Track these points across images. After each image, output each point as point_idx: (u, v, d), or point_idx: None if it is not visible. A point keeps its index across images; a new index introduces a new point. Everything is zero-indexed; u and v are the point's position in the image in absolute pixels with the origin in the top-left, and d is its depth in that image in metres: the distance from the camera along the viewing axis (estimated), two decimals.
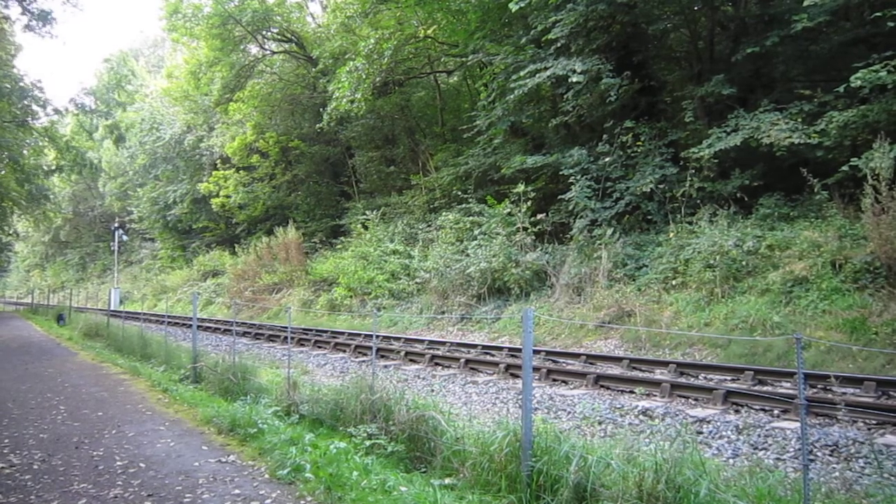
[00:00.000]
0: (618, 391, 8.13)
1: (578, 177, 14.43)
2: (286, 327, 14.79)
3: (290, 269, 24.75)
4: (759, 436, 5.86)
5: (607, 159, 14.39)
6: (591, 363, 9.89)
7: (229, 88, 28.61)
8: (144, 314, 25.08)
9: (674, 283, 12.14)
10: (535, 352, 10.23)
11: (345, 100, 20.05)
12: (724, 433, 6.05)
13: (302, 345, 15.10)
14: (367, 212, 23.41)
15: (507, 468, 4.13)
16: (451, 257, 17.01)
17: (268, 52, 30.09)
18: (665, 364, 9.03)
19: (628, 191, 14.09)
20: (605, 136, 14.79)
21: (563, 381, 8.94)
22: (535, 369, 9.05)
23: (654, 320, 11.32)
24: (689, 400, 7.37)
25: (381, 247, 20.97)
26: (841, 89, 11.05)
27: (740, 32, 14.19)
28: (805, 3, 11.28)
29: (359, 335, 15.08)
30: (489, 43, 17.81)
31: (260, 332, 18.18)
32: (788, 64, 13.86)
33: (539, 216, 15.93)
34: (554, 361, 10.22)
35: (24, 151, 28.68)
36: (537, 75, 14.46)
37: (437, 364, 11.08)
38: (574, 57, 14.19)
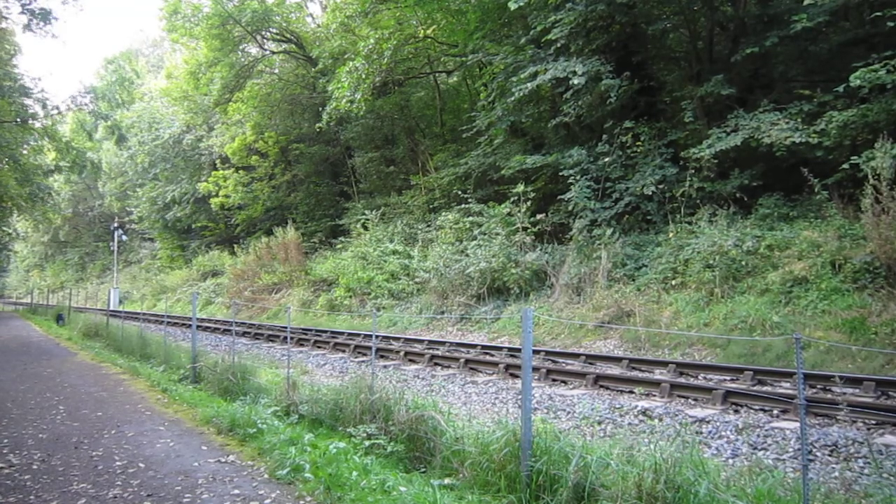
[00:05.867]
0: (617, 391, 8.13)
1: (578, 177, 14.44)
2: (286, 327, 14.79)
3: (289, 269, 24.74)
4: (758, 436, 5.86)
5: (607, 159, 14.39)
6: (590, 363, 9.88)
7: (229, 89, 28.60)
8: (144, 314, 25.07)
9: (673, 283, 12.14)
10: (535, 352, 10.23)
11: (344, 100, 20.05)
12: (723, 433, 6.05)
13: (301, 345, 15.10)
14: (367, 212, 23.42)
15: (507, 468, 4.13)
16: (450, 257, 17.01)
17: (267, 52, 30.09)
18: (664, 364, 9.03)
19: (628, 191, 14.09)
20: (604, 137, 14.79)
21: (563, 381, 8.93)
22: (535, 369, 9.05)
23: (653, 320, 11.32)
24: (689, 400, 7.37)
25: (381, 247, 20.96)
26: (840, 89, 11.06)
27: (740, 32, 14.19)
28: (805, 3, 11.28)
29: (358, 335, 15.07)
30: (489, 43, 17.82)
31: (259, 332, 18.17)
32: (788, 64, 13.86)
33: (539, 216, 15.93)
34: (553, 361, 10.22)
35: (24, 151, 28.68)
36: (537, 77, 14.46)
37: (436, 364, 11.08)
38: (574, 57, 14.19)
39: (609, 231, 13.75)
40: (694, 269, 11.75)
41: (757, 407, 6.88)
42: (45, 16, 20.15)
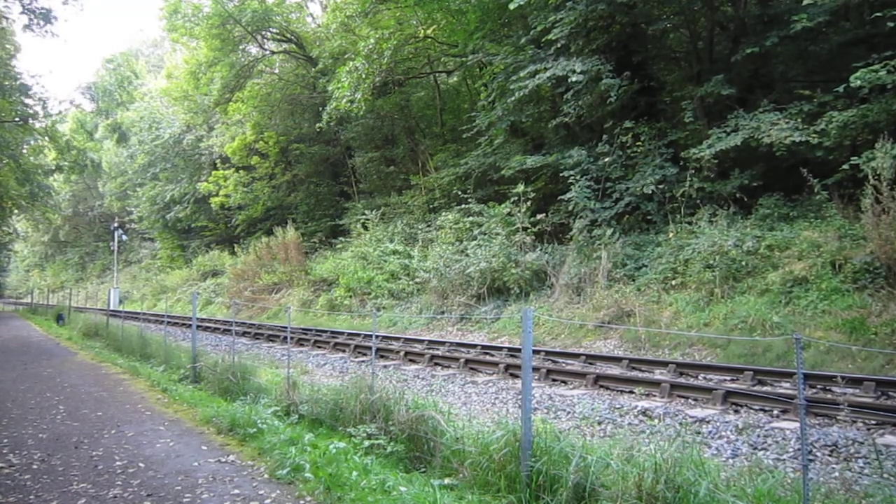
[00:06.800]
0: (617, 391, 8.13)
1: (578, 177, 14.44)
2: (286, 327, 14.79)
3: (289, 269, 24.75)
4: (758, 436, 5.86)
5: (607, 159, 14.39)
6: (590, 363, 9.88)
7: (229, 88, 28.60)
8: (144, 314, 25.07)
9: (673, 283, 12.14)
10: (535, 352, 10.23)
11: (344, 100, 20.05)
12: (723, 433, 6.05)
13: (301, 345, 15.10)
14: (367, 212, 23.42)
15: (507, 468, 4.12)
16: (450, 257, 17.01)
17: (267, 52, 30.10)
18: (664, 364, 9.03)
19: (628, 191, 14.09)
20: (604, 137, 14.79)
21: (563, 381, 8.93)
22: (535, 369, 9.05)
23: (653, 320, 11.32)
24: (689, 400, 7.37)
25: (381, 247, 20.97)
26: (840, 89, 11.06)
27: (740, 33, 14.19)
28: (805, 3, 11.28)
29: (358, 335, 15.07)
30: (489, 43, 17.82)
31: (259, 332, 18.17)
32: (788, 64, 13.87)
33: (539, 216, 15.93)
34: (553, 361, 10.22)
35: (24, 151, 28.68)
36: (537, 76, 14.46)
37: (436, 364, 11.08)
38: (574, 57, 14.19)
39: (609, 231, 13.75)
40: (694, 270, 11.75)
41: (757, 407, 6.88)
42: (45, 16, 20.14)
